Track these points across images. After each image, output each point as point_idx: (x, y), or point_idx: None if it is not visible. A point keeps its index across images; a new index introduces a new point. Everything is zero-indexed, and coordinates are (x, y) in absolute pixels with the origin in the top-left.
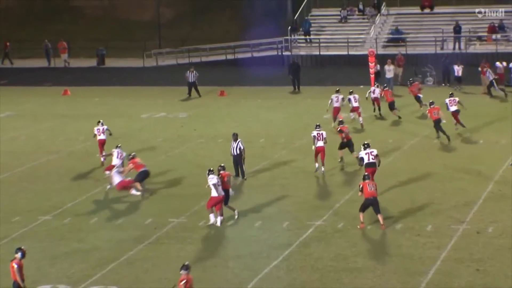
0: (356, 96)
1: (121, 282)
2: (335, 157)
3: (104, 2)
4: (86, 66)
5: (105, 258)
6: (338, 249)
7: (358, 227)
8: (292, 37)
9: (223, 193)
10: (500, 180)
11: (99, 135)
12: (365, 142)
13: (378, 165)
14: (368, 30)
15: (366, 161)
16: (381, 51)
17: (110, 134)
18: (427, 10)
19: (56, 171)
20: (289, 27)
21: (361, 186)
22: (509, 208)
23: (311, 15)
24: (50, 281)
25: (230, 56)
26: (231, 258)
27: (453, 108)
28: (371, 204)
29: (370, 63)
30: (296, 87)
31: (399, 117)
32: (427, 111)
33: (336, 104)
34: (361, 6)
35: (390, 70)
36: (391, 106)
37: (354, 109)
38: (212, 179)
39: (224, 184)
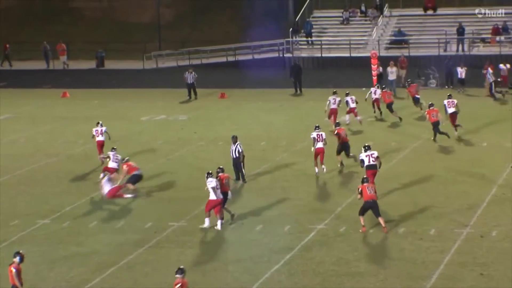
0: (353, 97)
1: (121, 286)
2: (335, 160)
3: (103, 3)
4: (85, 68)
5: (104, 262)
6: (340, 253)
7: (360, 231)
8: (294, 38)
9: (221, 196)
10: (503, 184)
11: (98, 136)
12: (366, 144)
13: (379, 167)
14: (371, 31)
15: (366, 163)
16: (383, 53)
17: (109, 139)
18: (430, 12)
19: (55, 174)
20: (291, 28)
21: (360, 189)
22: None
23: (313, 17)
24: (49, 285)
25: (230, 58)
26: (231, 262)
27: (451, 110)
28: (370, 207)
29: (372, 65)
30: (298, 89)
31: (400, 119)
32: (426, 112)
33: (333, 106)
34: (363, 8)
35: (392, 72)
36: (390, 108)
37: (351, 110)
38: (211, 182)
39: (222, 186)
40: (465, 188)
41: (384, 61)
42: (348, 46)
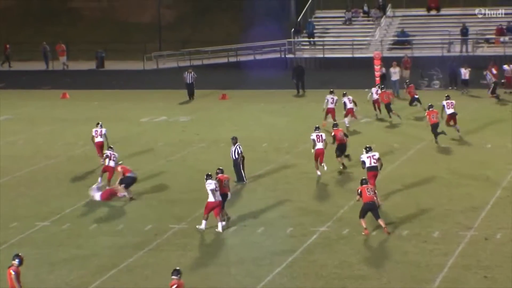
0: (350, 97)
1: None
2: (336, 162)
3: (103, 3)
4: (85, 69)
5: (104, 264)
6: (343, 256)
7: (363, 233)
8: (296, 39)
9: (220, 198)
10: (508, 186)
11: (97, 137)
12: (367, 146)
13: (380, 169)
14: (373, 32)
15: (367, 164)
16: (386, 54)
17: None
18: (433, 12)
19: (55, 176)
20: (293, 29)
21: (359, 190)
22: None
23: (315, 17)
24: None
25: (232, 59)
26: (233, 265)
27: (450, 110)
28: (370, 209)
29: (375, 66)
30: (301, 90)
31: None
32: (426, 113)
33: (330, 105)
34: (366, 8)
35: (395, 73)
36: (388, 108)
37: (349, 111)
38: (210, 185)
39: (222, 188)
40: (469, 190)
41: (387, 62)
42: (351, 46)
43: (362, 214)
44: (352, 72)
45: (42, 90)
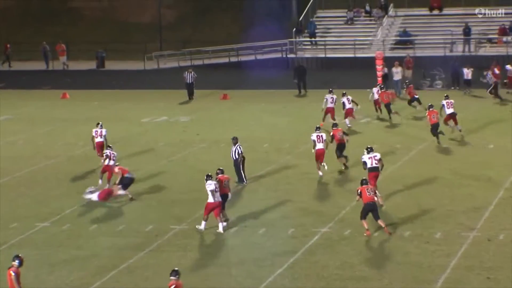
0: (350, 97)
1: None
2: (338, 162)
3: (103, 3)
4: (85, 69)
5: (104, 265)
6: (345, 257)
7: (365, 234)
8: (297, 39)
9: (220, 199)
10: (510, 187)
11: (97, 137)
12: (368, 146)
13: (381, 169)
14: (375, 32)
15: (369, 165)
16: (388, 53)
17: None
18: (436, 12)
19: (55, 176)
20: (294, 29)
21: (359, 191)
22: None
23: (317, 17)
24: None
25: (233, 59)
26: (234, 266)
27: (449, 110)
28: (370, 209)
29: (377, 66)
30: (303, 90)
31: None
32: (427, 113)
33: (330, 105)
34: (368, 7)
35: (397, 72)
36: (388, 108)
37: (348, 111)
38: (210, 185)
39: (222, 188)
40: (471, 190)
41: (389, 62)
42: (353, 46)
43: (363, 215)
44: (354, 72)
45: (42, 90)
